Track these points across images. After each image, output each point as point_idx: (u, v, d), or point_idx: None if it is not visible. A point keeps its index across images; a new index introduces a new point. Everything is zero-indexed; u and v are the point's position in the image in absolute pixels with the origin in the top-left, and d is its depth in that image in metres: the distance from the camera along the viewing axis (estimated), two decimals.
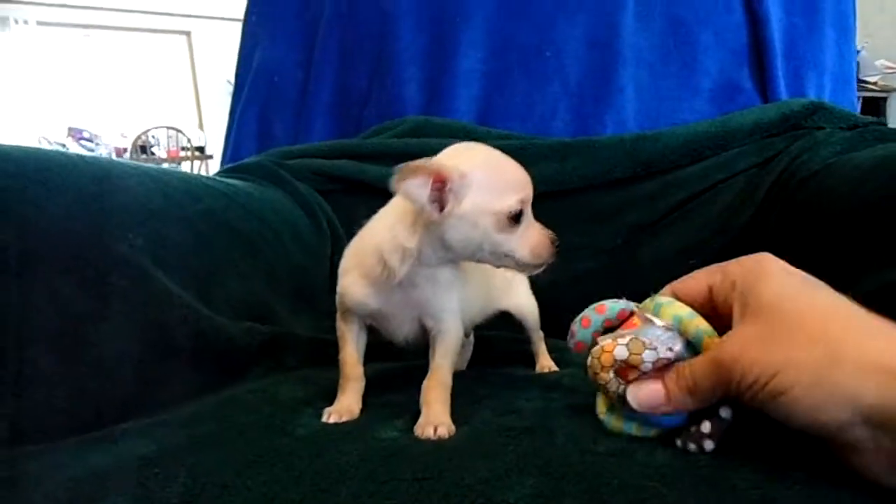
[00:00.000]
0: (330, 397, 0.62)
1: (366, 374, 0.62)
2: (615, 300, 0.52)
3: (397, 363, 0.76)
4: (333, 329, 0.92)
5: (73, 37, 6.57)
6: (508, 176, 0.56)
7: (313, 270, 1.01)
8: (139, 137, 5.98)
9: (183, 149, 6.20)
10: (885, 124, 1.12)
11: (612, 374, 0.45)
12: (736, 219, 1.07)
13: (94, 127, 6.42)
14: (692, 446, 0.44)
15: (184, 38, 6.86)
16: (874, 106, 4.04)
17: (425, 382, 0.56)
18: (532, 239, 0.55)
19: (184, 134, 6.14)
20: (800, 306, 0.39)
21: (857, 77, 3.84)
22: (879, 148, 0.96)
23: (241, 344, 0.73)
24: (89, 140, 6.24)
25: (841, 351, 0.36)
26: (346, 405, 0.58)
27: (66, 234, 0.59)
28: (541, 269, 0.58)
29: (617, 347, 0.45)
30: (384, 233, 0.57)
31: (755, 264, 0.43)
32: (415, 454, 0.46)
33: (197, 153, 6.26)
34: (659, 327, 0.45)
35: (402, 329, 0.61)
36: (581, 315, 0.52)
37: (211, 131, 6.45)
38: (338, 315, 0.63)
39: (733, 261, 0.45)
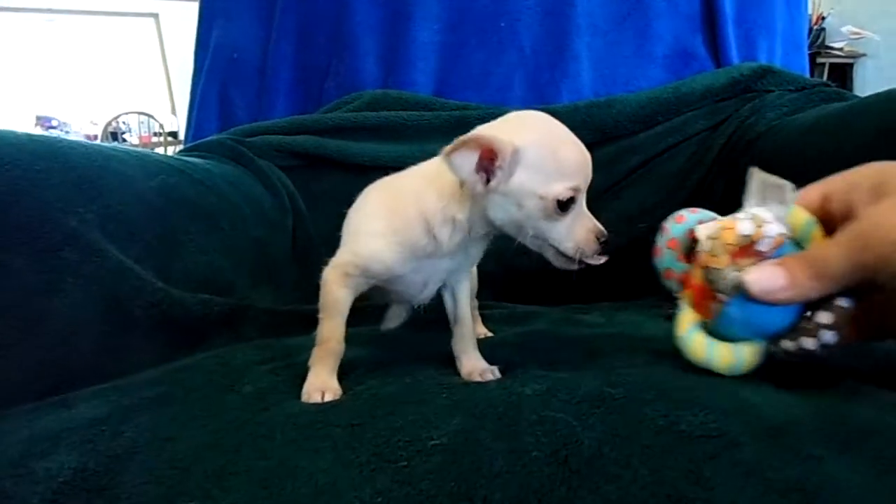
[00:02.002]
0: (285, 360, 0.64)
1: None
2: (707, 210, 0.50)
3: None
4: (294, 301, 0.95)
5: (36, 22, 6.40)
6: (565, 158, 0.51)
7: (274, 244, 1.02)
8: (110, 124, 5.88)
9: (155, 134, 6.11)
10: (830, 86, 1.15)
11: (728, 259, 0.43)
12: (688, 181, 1.10)
13: (63, 115, 6.29)
14: (808, 343, 0.41)
15: (152, 20, 6.70)
16: (841, 72, 4.10)
17: (460, 332, 0.59)
18: (579, 232, 0.52)
19: (156, 119, 6.05)
20: None
21: (824, 43, 3.90)
22: (820, 108, 1.00)
23: (199, 315, 0.74)
24: (58, 128, 6.13)
25: None
26: (329, 383, 0.53)
27: (11, 209, 0.59)
28: (577, 266, 0.53)
29: (739, 223, 0.43)
30: (427, 201, 0.54)
31: (884, 165, 0.41)
32: (353, 405, 0.49)
33: (170, 138, 6.17)
34: (769, 217, 0.43)
35: (422, 293, 0.60)
36: (674, 214, 0.51)
37: (184, 116, 6.33)
38: (331, 280, 0.57)
39: (854, 168, 0.43)
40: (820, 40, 3.95)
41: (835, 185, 0.43)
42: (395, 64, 1.23)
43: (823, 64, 3.98)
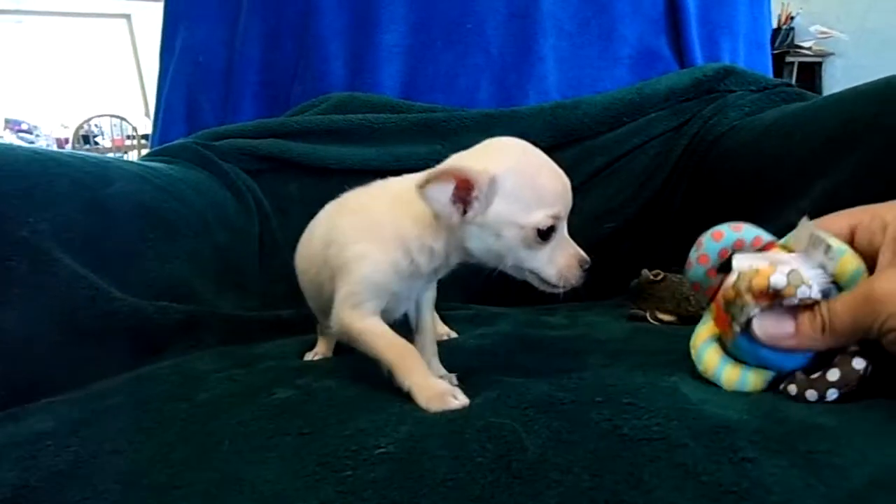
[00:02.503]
0: (245, 367, 0.64)
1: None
2: (751, 225, 0.48)
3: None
4: (261, 307, 0.94)
5: (4, 24, 6.27)
6: (543, 186, 0.50)
7: (239, 250, 1.01)
8: (81, 127, 5.77)
9: (128, 137, 6.01)
10: (792, 86, 1.17)
11: (751, 298, 0.42)
12: (652, 181, 1.11)
13: (33, 118, 6.17)
14: (812, 394, 0.41)
15: (124, 21, 6.61)
16: (810, 71, 4.17)
17: (421, 341, 0.59)
18: (560, 260, 0.51)
19: (128, 122, 5.95)
20: None
21: (793, 43, 3.97)
22: (780, 109, 1.01)
23: (157, 323, 0.73)
24: (28, 132, 6.01)
25: None
26: (437, 387, 0.48)
27: None
28: (562, 290, 0.53)
29: (775, 274, 0.41)
30: (404, 227, 0.53)
31: None
32: (306, 411, 0.48)
33: (143, 141, 6.07)
34: (814, 264, 0.43)
35: (405, 306, 0.60)
36: (714, 228, 0.49)
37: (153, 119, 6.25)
38: (351, 320, 0.54)
39: (885, 203, 0.43)
40: (789, 39, 4.02)
41: (862, 219, 0.43)
42: (362, 67, 1.22)
43: (792, 63, 4.05)
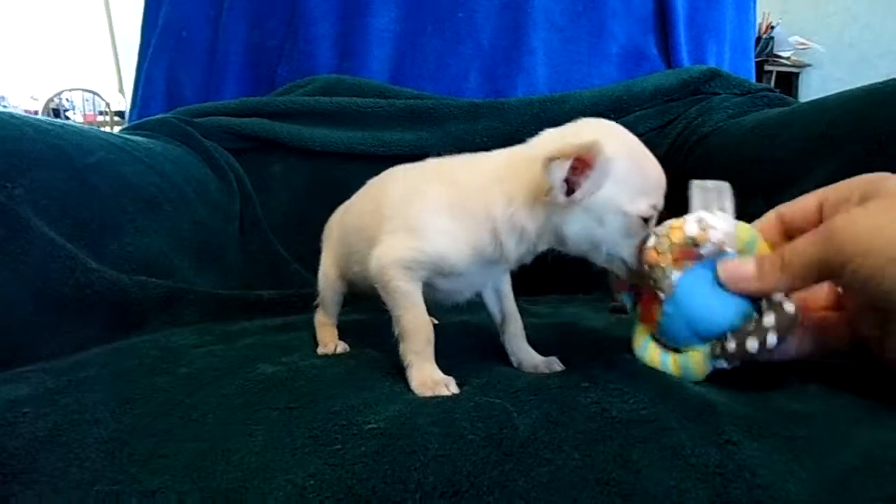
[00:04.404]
0: (226, 343, 0.63)
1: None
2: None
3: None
4: (240, 286, 0.93)
5: None
6: (650, 174, 0.48)
7: (219, 228, 1.00)
8: (51, 100, 5.60)
9: (101, 113, 5.86)
10: (774, 91, 1.19)
11: (671, 258, 0.44)
12: None
13: (1, 88, 5.97)
14: (753, 343, 0.41)
15: None
16: (787, 81, 4.25)
17: (512, 330, 0.56)
18: None
19: (101, 97, 5.80)
20: None
21: (772, 52, 4.04)
22: (763, 113, 1.03)
23: (135, 297, 0.72)
24: None
25: None
26: (436, 375, 0.48)
27: None
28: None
29: (687, 224, 0.44)
30: (495, 205, 0.49)
31: (878, 175, 0.42)
32: (293, 387, 0.48)
33: (117, 118, 5.92)
34: (715, 219, 0.45)
35: (470, 290, 0.56)
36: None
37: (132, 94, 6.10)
38: (395, 276, 0.51)
39: (853, 179, 0.44)
40: (769, 48, 4.09)
41: (827, 195, 0.44)
42: (350, 50, 1.21)
43: (771, 72, 4.13)
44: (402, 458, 0.35)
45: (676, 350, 0.47)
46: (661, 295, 0.46)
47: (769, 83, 3.99)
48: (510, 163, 0.50)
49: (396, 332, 0.51)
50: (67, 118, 5.83)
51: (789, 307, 0.41)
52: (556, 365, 0.53)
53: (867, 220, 0.38)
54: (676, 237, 0.44)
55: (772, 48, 4.12)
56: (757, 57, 3.93)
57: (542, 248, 0.50)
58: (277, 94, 1.20)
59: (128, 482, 0.35)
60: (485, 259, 0.51)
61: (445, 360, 0.51)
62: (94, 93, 5.75)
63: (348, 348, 0.63)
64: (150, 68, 1.34)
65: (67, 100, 5.86)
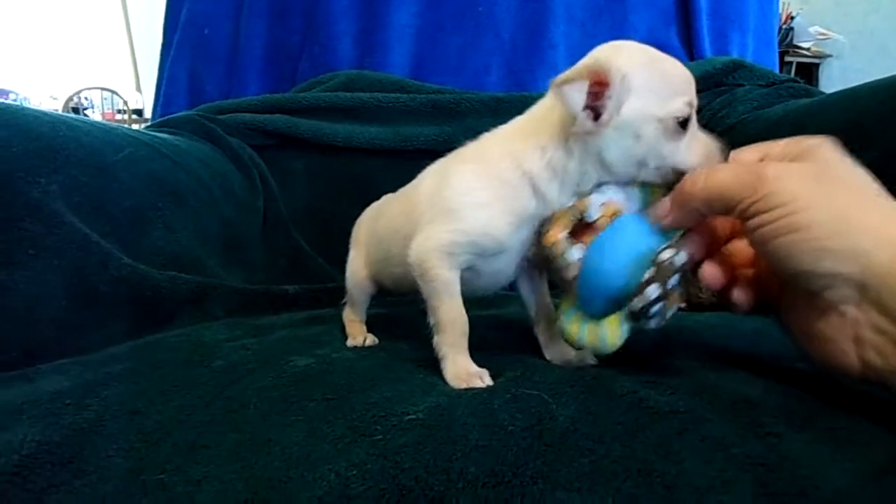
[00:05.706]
0: (256, 338, 0.63)
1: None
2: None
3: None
4: (263, 281, 0.94)
5: None
6: (673, 74, 0.47)
7: (244, 224, 1.01)
8: (70, 99, 5.67)
9: (119, 111, 5.92)
10: (799, 82, 1.18)
11: (566, 237, 0.47)
12: None
13: (22, 88, 6.05)
14: (636, 301, 0.42)
15: None
16: (807, 71, 4.19)
17: (546, 319, 0.56)
18: (700, 149, 0.47)
19: (119, 95, 5.86)
20: (855, 174, 0.39)
21: (792, 43, 3.99)
22: (788, 104, 1.02)
23: (166, 292, 0.73)
24: (16, 102, 5.90)
25: (873, 216, 0.36)
26: (471, 368, 0.48)
27: None
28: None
29: (574, 204, 0.48)
30: (529, 159, 0.49)
31: (820, 139, 0.42)
32: (328, 380, 0.48)
33: (135, 116, 5.99)
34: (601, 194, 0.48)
35: (510, 269, 0.54)
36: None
37: (149, 93, 6.15)
38: (436, 264, 0.51)
39: (793, 137, 0.44)
40: (789, 39, 4.04)
41: (772, 149, 0.45)
42: (371, 46, 1.21)
43: (791, 63, 4.07)
44: (443, 448, 0.35)
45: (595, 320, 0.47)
46: (568, 273, 0.47)
47: (789, 74, 3.94)
48: (531, 118, 0.51)
49: (431, 324, 0.51)
50: (86, 117, 5.89)
51: (665, 255, 0.42)
52: (589, 359, 0.52)
53: (790, 179, 0.38)
54: (559, 213, 0.48)
55: (792, 39, 4.06)
56: (777, 47, 3.89)
57: (587, 187, 0.49)
58: (299, 91, 1.20)
59: (173, 471, 0.36)
60: (528, 220, 0.50)
61: (478, 352, 0.51)
62: (113, 91, 5.81)
63: (377, 341, 0.64)
64: (173, 66, 1.35)
65: (86, 98, 5.93)
